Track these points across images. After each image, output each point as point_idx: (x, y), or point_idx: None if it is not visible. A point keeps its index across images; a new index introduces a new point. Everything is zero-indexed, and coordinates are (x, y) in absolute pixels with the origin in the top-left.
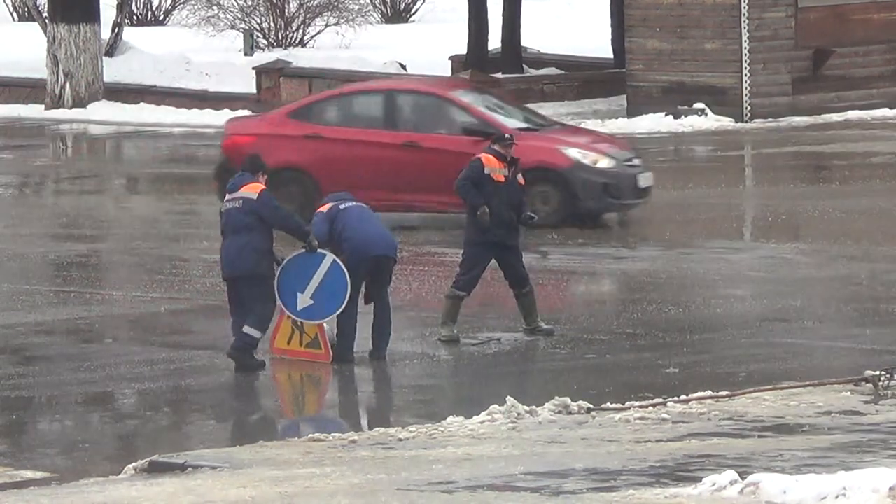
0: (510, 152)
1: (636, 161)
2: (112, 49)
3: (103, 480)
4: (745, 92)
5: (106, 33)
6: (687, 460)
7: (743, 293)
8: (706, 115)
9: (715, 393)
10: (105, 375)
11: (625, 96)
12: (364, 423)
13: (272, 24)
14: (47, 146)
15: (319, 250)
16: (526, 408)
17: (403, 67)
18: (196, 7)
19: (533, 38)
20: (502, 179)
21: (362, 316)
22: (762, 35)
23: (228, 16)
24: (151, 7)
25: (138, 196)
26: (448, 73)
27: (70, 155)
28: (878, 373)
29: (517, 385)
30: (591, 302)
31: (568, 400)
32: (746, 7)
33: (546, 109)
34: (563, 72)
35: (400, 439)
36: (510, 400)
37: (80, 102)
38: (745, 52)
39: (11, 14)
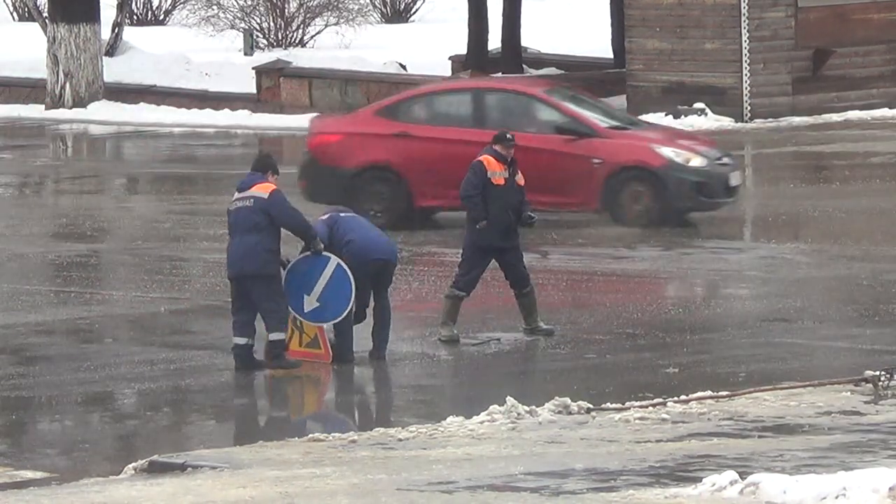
0: (511, 153)
1: (726, 159)
2: (112, 49)
3: (103, 480)
4: (745, 92)
5: (106, 33)
6: (687, 460)
7: (743, 293)
8: (706, 115)
9: (715, 393)
10: (105, 375)
11: (625, 96)
12: (364, 423)
13: (272, 23)
14: (47, 146)
15: (324, 253)
16: (526, 408)
17: (403, 67)
18: (196, 7)
19: (533, 38)
20: (502, 182)
21: (369, 306)
22: (762, 35)
23: (228, 16)
24: (151, 7)
25: (138, 196)
26: (448, 73)
27: (70, 155)
28: (878, 373)
29: (517, 385)
30: (591, 302)
31: (568, 400)
32: (746, 7)
33: None
34: (563, 72)
35: (400, 439)
36: (510, 400)
37: (80, 102)
38: (745, 52)
39: (11, 14)
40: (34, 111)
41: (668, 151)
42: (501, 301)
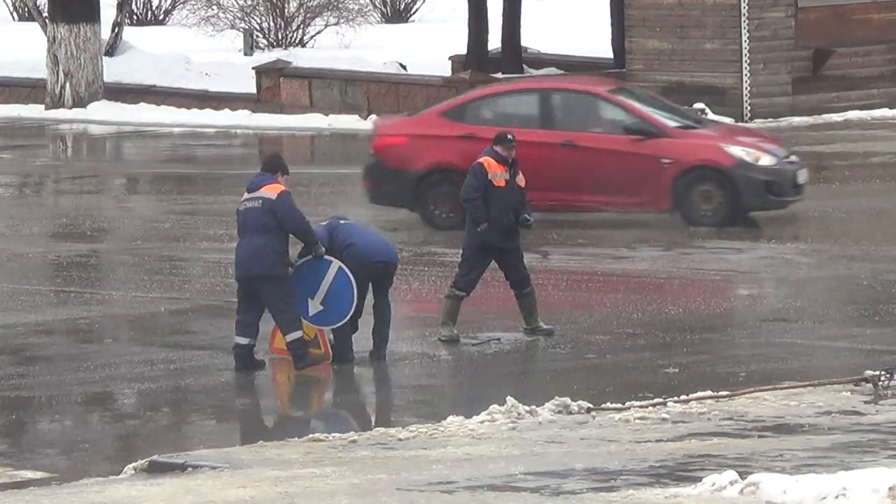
0: (511, 154)
1: (793, 157)
2: (112, 49)
3: (103, 480)
4: (745, 92)
5: (106, 33)
6: (687, 460)
7: (743, 293)
8: (706, 115)
9: (715, 393)
10: (105, 375)
11: None
12: (364, 423)
13: (272, 23)
14: (47, 146)
15: (326, 257)
16: (526, 408)
17: (403, 67)
18: (196, 7)
19: (533, 38)
20: (503, 184)
21: (362, 316)
22: (762, 35)
23: (228, 16)
24: (151, 7)
25: (138, 196)
26: (448, 73)
27: (70, 155)
28: (878, 373)
29: (517, 385)
30: (591, 302)
31: (568, 400)
32: (746, 7)
33: None
34: (563, 72)
35: (400, 439)
36: (510, 400)
37: (80, 102)
38: (745, 52)
39: (11, 14)
40: (34, 111)
41: (737, 150)
42: (501, 301)
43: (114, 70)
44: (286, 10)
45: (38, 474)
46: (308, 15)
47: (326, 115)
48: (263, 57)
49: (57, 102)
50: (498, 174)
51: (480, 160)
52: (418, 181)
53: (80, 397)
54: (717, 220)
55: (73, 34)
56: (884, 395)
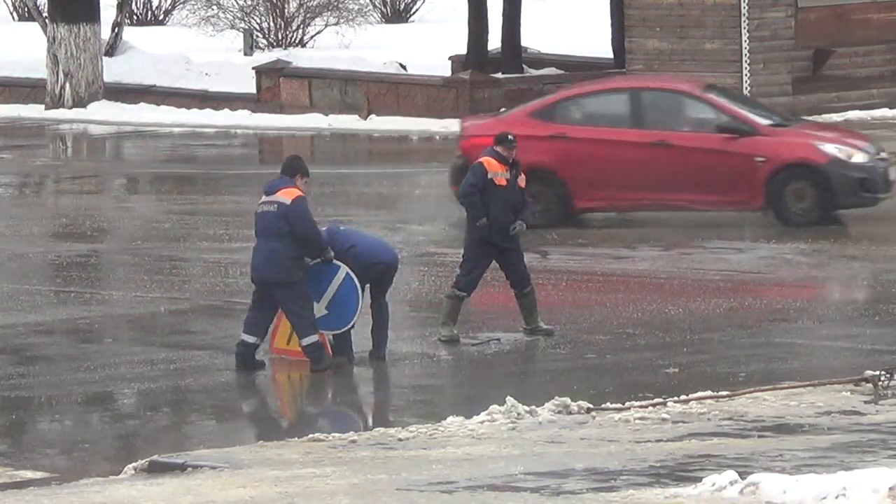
0: (512, 154)
1: (884, 154)
2: (112, 49)
3: (103, 480)
4: (745, 92)
5: (106, 33)
6: (687, 460)
7: (743, 293)
8: None
9: (715, 393)
10: (105, 375)
11: None
12: (364, 423)
13: (272, 23)
14: (47, 146)
15: (334, 261)
16: (526, 408)
17: (403, 67)
18: (196, 7)
19: (533, 38)
20: (504, 183)
21: (361, 316)
22: (762, 35)
23: (228, 16)
24: (151, 7)
25: (138, 196)
26: (448, 73)
27: (70, 155)
28: (878, 373)
29: (517, 385)
30: (591, 302)
31: (568, 400)
32: (746, 7)
33: None
34: (563, 72)
35: (400, 439)
36: (510, 400)
37: (80, 102)
38: (745, 52)
39: (11, 14)
40: (34, 111)
41: (831, 148)
42: (501, 301)
43: (114, 70)
44: (286, 10)
45: (38, 474)
46: (308, 15)
47: (326, 115)
48: (263, 57)
49: (57, 102)
50: (499, 173)
51: (481, 159)
52: None
53: (80, 397)
54: (810, 218)
55: (73, 34)
56: (884, 395)
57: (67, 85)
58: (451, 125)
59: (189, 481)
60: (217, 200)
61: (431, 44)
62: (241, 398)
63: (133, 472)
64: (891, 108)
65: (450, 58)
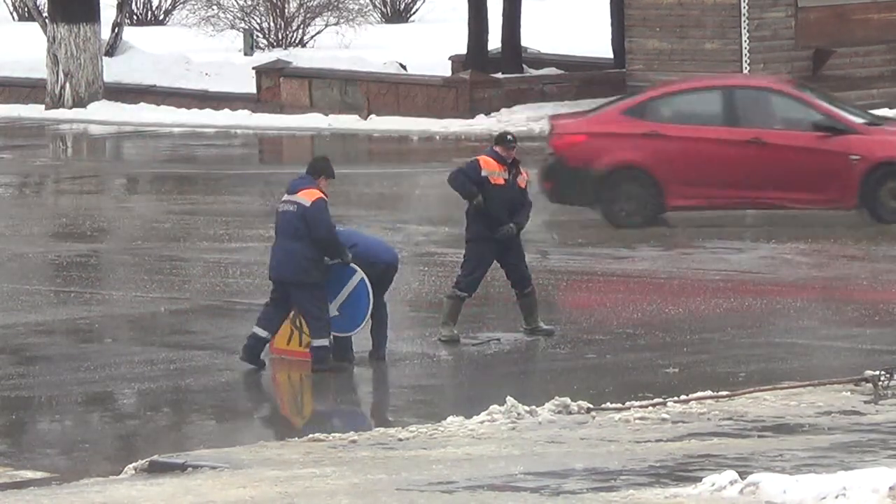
0: (510, 155)
1: None
2: (112, 49)
3: (103, 480)
4: None
5: (106, 33)
6: (687, 460)
7: (743, 293)
8: None
9: (715, 393)
10: (105, 375)
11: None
12: (364, 423)
13: (272, 23)
14: (47, 146)
15: (351, 265)
16: (526, 408)
17: (403, 67)
18: (196, 7)
19: (533, 38)
20: (501, 182)
21: None
22: (762, 35)
23: (228, 16)
24: (151, 7)
25: (138, 196)
26: (448, 73)
27: (70, 155)
28: (878, 373)
29: (517, 385)
30: (591, 302)
31: (568, 400)
32: (746, 7)
33: (546, 109)
34: (563, 72)
35: (400, 439)
36: (510, 400)
37: (80, 102)
38: (745, 52)
39: (11, 14)
40: (34, 111)
41: None
42: (501, 301)
43: (114, 70)
44: (286, 10)
45: (38, 474)
46: (308, 15)
47: (326, 115)
48: (263, 57)
49: (57, 102)
50: (495, 172)
51: (478, 157)
52: (602, 179)
53: (80, 397)
54: None
55: (73, 34)
56: (884, 395)
57: (67, 85)
58: (451, 125)
59: (189, 481)
60: (217, 200)
61: (431, 44)
62: (241, 398)
63: (133, 472)
64: (891, 108)
65: (450, 58)
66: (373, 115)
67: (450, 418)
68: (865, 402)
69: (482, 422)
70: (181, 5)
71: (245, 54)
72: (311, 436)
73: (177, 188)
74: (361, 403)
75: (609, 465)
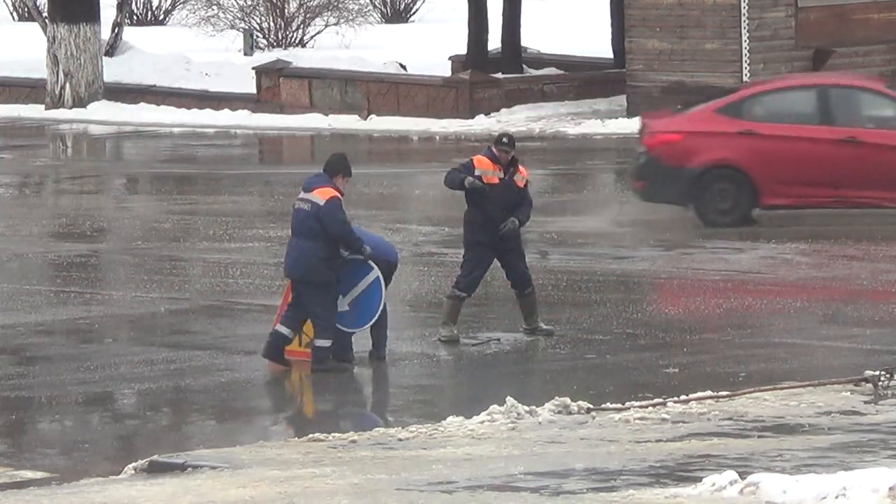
0: (506, 157)
1: None
2: (112, 49)
3: (103, 480)
4: None
5: (106, 33)
6: (687, 460)
7: (743, 293)
8: None
9: (715, 393)
10: (105, 375)
11: (625, 96)
12: (364, 423)
13: (272, 24)
14: (47, 146)
15: (369, 262)
16: (526, 408)
17: (403, 67)
18: (196, 7)
19: (533, 38)
20: (496, 181)
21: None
22: (762, 35)
23: (228, 16)
24: (151, 7)
25: (138, 196)
26: (448, 73)
27: (70, 155)
28: (878, 373)
29: (517, 385)
30: (591, 302)
31: (568, 400)
32: (746, 7)
33: (546, 109)
34: (563, 72)
35: (400, 439)
36: (510, 400)
37: (80, 102)
38: (745, 52)
39: (11, 14)
40: (34, 111)
41: None
42: (501, 301)
43: (114, 70)
44: (286, 10)
45: (38, 474)
46: (308, 15)
47: (326, 115)
48: (263, 57)
49: (57, 102)
50: (489, 172)
51: (473, 157)
52: (696, 178)
53: (80, 397)
54: None
55: (73, 34)
56: (884, 395)
57: (67, 85)
58: (451, 125)
59: (189, 481)
60: (217, 200)
61: (431, 44)
62: (241, 398)
63: (133, 472)
64: None
65: (450, 58)
66: (373, 115)
67: (450, 418)
68: (865, 402)
69: (482, 422)
70: (181, 5)
71: (245, 54)
72: (311, 436)
73: (177, 188)
74: (361, 403)
75: (609, 465)
